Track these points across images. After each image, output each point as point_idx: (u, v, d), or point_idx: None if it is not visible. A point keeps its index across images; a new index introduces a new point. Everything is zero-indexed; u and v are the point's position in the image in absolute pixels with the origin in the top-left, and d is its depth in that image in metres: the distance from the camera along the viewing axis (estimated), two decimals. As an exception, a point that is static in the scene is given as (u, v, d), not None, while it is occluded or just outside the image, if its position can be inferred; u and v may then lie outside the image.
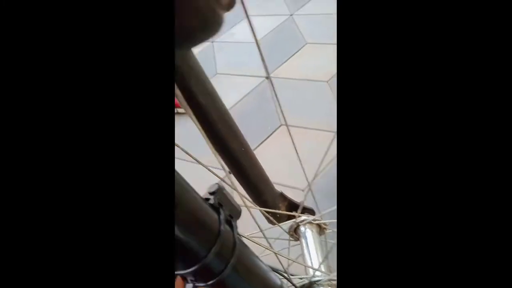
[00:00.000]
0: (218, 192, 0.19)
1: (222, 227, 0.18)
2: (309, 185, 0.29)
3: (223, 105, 0.30)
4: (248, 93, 1.13)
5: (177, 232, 0.15)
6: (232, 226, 0.19)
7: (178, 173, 0.15)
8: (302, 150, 0.98)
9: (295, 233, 0.38)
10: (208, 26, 0.09)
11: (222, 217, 0.18)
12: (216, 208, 0.19)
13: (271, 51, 1.26)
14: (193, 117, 0.31)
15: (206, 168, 0.26)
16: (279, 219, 0.39)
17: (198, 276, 0.18)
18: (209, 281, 0.18)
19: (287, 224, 0.38)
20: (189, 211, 0.15)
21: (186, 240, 0.15)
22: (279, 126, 1.00)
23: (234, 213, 0.20)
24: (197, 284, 0.18)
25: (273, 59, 1.21)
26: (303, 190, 0.81)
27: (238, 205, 0.21)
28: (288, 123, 1.00)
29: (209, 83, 0.29)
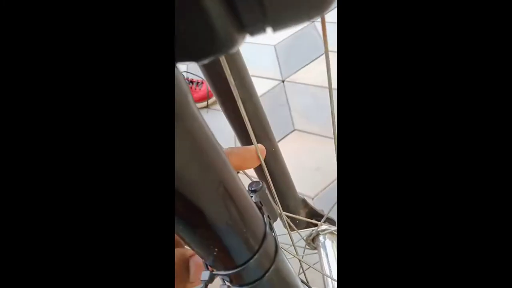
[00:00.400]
0: (261, 190, 0.18)
1: (267, 229, 0.16)
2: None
3: (259, 101, 0.29)
4: (262, 95, 1.12)
5: (229, 231, 0.13)
6: (272, 229, 0.18)
7: (230, 165, 0.14)
8: (315, 157, 0.97)
9: (312, 241, 0.37)
10: (216, 46, 0.09)
11: (266, 218, 0.17)
12: (259, 207, 0.17)
13: (290, 55, 1.25)
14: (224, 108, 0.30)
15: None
16: (298, 225, 0.37)
17: (234, 279, 0.16)
18: (243, 286, 0.17)
19: (305, 232, 0.37)
20: (241, 208, 0.14)
21: (235, 241, 0.14)
22: (292, 131, 0.99)
23: (272, 215, 0.19)
24: (215, 273, 0.17)
25: (291, 64, 1.20)
26: (313, 198, 0.80)
27: (276, 207, 0.20)
28: (303, 129, 0.99)
29: (248, 76, 0.28)
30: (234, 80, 0.26)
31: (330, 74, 0.20)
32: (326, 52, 0.19)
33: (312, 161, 0.88)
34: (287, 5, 0.08)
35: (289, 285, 0.19)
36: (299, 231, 0.37)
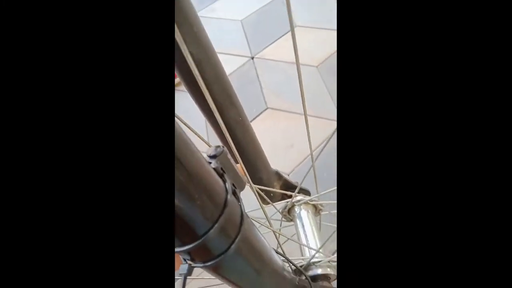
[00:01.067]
0: (222, 156, 0.16)
1: (229, 197, 0.14)
2: (312, 165, 0.26)
3: (219, 63, 0.26)
4: (231, 73, 1.08)
5: (176, 199, 0.11)
6: (238, 198, 0.16)
7: (181, 129, 0.12)
8: (289, 134, 0.96)
9: (288, 213, 0.36)
10: None
11: (228, 185, 0.15)
12: (219, 174, 0.15)
13: (257, 31, 1.20)
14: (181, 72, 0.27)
15: (201, 138, 0.22)
16: (272, 198, 0.36)
17: (195, 255, 0.14)
18: (208, 261, 0.15)
19: (281, 204, 0.36)
20: (194, 174, 0.12)
21: (186, 210, 0.12)
22: (265, 109, 0.97)
23: (238, 183, 0.17)
24: (193, 265, 0.15)
25: (259, 40, 1.16)
26: (288, 174, 0.79)
27: (242, 175, 0.18)
28: (275, 107, 0.97)
29: (204, 31, 0.24)
30: (186, 33, 0.23)
31: (296, 48, 0.18)
32: (292, 28, 0.16)
33: (286, 139, 0.87)
34: None
35: (260, 255, 0.17)
36: (274, 204, 0.35)
